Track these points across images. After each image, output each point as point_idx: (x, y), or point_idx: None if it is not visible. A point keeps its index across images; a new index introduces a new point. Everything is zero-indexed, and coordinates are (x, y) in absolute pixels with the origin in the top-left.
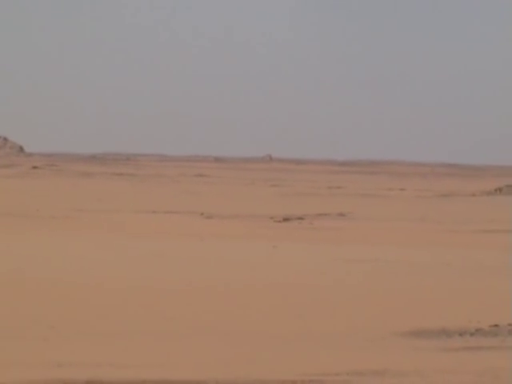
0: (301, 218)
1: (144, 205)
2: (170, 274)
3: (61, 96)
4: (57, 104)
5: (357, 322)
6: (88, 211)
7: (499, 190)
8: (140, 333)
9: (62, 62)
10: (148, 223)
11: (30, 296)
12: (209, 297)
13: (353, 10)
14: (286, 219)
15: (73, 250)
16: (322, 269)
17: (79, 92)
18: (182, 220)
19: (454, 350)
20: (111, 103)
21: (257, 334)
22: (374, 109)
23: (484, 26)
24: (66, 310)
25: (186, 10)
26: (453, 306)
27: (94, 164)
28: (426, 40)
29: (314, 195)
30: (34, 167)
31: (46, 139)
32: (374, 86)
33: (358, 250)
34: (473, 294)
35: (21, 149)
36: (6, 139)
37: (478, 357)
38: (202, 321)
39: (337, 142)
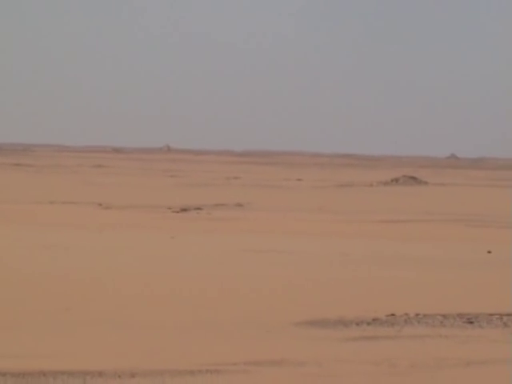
0: (199, 209)
1: (41, 195)
2: (66, 265)
3: None
4: None
5: (254, 312)
6: None
7: (396, 181)
8: (37, 323)
9: None
10: (45, 214)
11: None
12: (105, 287)
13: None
14: (184, 210)
15: None
16: (221, 259)
17: None
18: (79, 210)
19: (351, 339)
20: (7, 92)
21: (154, 324)
22: (272, 99)
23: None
24: None
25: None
26: (350, 296)
27: None
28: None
29: (212, 186)
30: None
31: None
32: (272, 76)
33: (256, 241)
34: (370, 283)
35: None
36: None
37: (375, 346)
38: (98, 311)
39: (235, 133)
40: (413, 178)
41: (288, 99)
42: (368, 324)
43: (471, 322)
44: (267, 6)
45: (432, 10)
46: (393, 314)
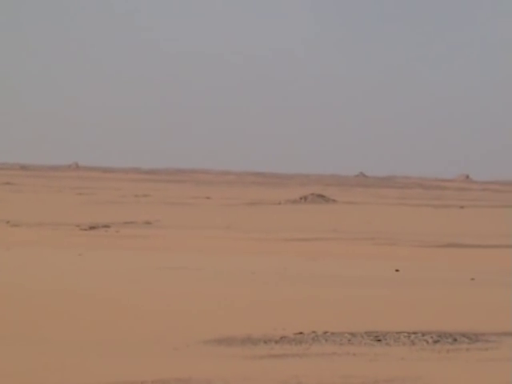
0: (107, 226)
1: None
2: None
3: None
4: None
5: (162, 330)
6: None
7: (304, 199)
8: None
9: None
10: None
11: None
12: (10, 304)
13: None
14: (92, 227)
15: None
16: (129, 276)
17: None
18: None
19: (259, 357)
20: None
21: (59, 342)
22: (179, 116)
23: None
24: None
25: None
26: (258, 314)
27: None
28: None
29: (121, 203)
30: None
31: None
32: (177, 95)
33: (164, 258)
34: (278, 301)
35: None
36: None
37: (283, 364)
38: (2, 327)
39: (143, 150)
40: (321, 196)
41: (194, 116)
42: (276, 342)
43: (379, 340)
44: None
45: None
46: (301, 332)
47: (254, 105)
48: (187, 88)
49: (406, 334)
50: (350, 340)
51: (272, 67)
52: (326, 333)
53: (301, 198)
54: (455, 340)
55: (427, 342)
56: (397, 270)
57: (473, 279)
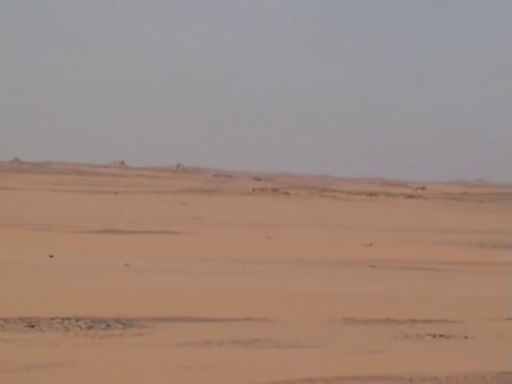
0: None
1: None
2: None
3: None
4: None
5: None
6: None
7: None
8: None
9: None
10: None
11: None
12: None
13: None
14: None
15: None
16: None
17: None
18: None
19: None
20: None
21: None
22: None
23: None
24: None
25: None
26: None
27: None
28: None
29: None
30: None
31: None
32: None
33: None
34: None
35: None
36: None
37: None
38: None
39: None
40: None
41: None
42: None
43: (32, 326)
44: None
45: None
46: None
47: None
48: None
49: (59, 320)
50: (2, 326)
51: None
52: None
53: None
54: (109, 326)
55: (81, 328)
56: (51, 256)
57: (127, 265)
